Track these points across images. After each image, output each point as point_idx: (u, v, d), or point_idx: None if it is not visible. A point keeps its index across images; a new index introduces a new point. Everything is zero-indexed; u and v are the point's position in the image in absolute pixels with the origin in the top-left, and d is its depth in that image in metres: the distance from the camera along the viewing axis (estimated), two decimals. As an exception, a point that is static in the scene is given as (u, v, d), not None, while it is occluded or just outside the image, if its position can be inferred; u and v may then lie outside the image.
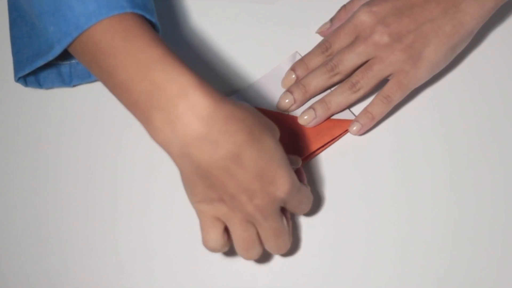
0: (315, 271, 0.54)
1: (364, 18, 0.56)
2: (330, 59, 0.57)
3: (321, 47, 0.58)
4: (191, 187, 0.46)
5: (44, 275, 0.54)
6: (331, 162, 0.57)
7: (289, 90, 0.58)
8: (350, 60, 0.56)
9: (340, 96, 0.56)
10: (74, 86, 0.59)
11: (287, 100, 0.57)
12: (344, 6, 0.60)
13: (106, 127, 0.58)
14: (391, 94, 0.56)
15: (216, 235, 0.48)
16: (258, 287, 0.54)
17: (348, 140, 0.58)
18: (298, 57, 0.60)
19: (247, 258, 0.50)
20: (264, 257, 0.54)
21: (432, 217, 0.55)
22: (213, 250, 0.49)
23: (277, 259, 0.55)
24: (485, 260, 0.54)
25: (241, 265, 0.54)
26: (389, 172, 0.57)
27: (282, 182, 0.46)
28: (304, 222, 0.55)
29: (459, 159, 0.57)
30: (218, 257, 0.55)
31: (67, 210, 0.56)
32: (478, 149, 0.57)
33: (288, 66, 0.60)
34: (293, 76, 0.58)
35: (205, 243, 0.48)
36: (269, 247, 0.50)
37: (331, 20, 0.60)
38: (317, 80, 0.57)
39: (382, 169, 0.57)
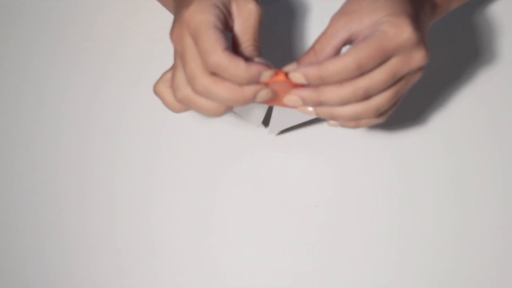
0: (314, 271, 0.54)
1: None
2: None
3: None
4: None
5: (44, 275, 0.55)
6: (331, 160, 0.58)
7: None
8: None
9: None
10: None
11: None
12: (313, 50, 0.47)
13: (106, 126, 0.58)
14: None
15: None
16: (258, 287, 0.54)
17: (348, 139, 0.58)
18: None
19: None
20: (263, 257, 0.54)
21: (433, 217, 0.56)
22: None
23: (276, 259, 0.55)
24: (485, 262, 0.55)
25: (242, 266, 0.55)
26: (389, 171, 0.57)
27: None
28: (304, 222, 0.56)
29: (460, 158, 0.58)
30: (218, 257, 0.55)
31: (67, 210, 0.56)
32: (478, 149, 0.58)
33: None
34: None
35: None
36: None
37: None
38: None
39: (382, 168, 0.57)
